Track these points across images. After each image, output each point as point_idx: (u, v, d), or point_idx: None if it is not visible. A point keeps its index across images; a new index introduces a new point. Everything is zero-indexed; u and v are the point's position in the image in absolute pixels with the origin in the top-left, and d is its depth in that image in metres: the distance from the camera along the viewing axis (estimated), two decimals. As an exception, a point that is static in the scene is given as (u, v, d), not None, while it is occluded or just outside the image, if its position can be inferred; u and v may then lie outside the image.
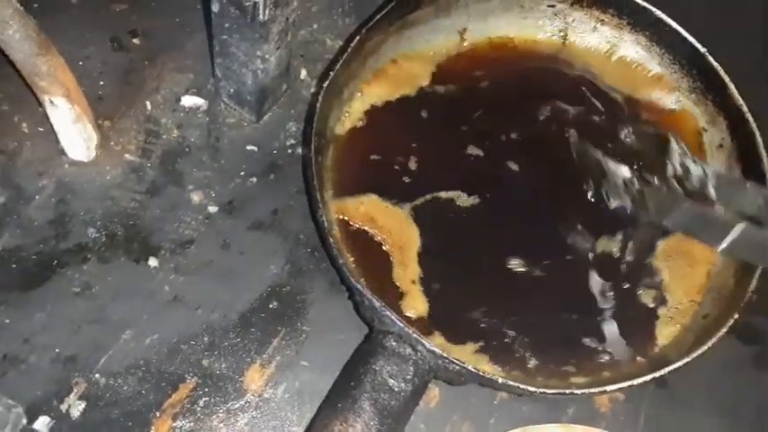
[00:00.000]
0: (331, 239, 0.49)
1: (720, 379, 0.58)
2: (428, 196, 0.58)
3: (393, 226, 0.56)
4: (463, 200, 0.58)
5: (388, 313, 0.46)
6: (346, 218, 0.56)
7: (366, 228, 0.56)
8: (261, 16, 0.50)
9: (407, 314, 0.53)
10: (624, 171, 0.56)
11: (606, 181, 0.57)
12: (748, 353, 0.60)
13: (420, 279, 0.55)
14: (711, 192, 0.51)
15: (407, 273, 0.55)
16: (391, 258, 0.55)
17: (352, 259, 0.53)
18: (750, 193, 0.51)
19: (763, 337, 0.61)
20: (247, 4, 0.49)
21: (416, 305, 0.54)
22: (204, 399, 0.52)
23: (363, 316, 0.52)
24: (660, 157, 0.54)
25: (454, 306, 0.54)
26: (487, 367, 0.52)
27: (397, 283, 0.54)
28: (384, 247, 0.55)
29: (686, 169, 0.52)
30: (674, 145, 0.53)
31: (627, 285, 0.57)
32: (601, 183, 0.57)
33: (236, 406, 0.52)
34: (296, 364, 0.54)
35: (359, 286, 0.48)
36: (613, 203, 0.57)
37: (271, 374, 0.53)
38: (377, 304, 0.47)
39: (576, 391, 0.49)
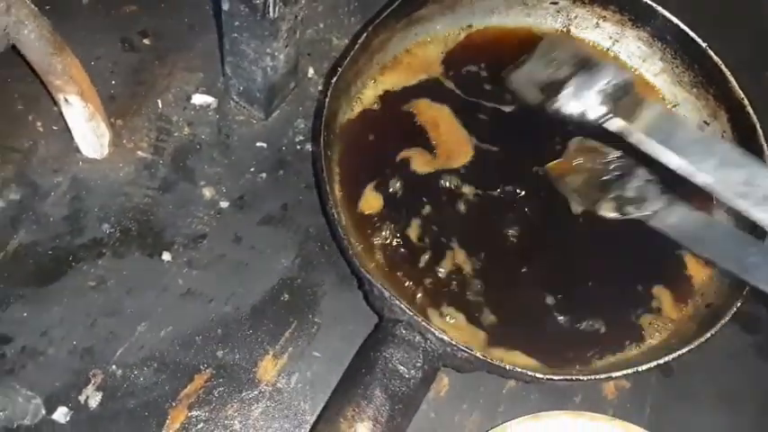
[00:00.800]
0: (341, 231, 0.50)
1: (724, 367, 0.59)
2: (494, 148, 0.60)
3: (451, 137, 0.60)
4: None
5: (397, 302, 0.47)
6: (415, 111, 0.60)
7: (425, 126, 0.59)
8: (271, 13, 0.51)
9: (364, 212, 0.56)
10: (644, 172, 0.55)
11: (623, 189, 0.56)
12: (752, 341, 0.61)
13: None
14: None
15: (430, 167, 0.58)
16: (435, 152, 0.59)
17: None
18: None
19: (766, 325, 0.62)
20: (257, 1, 0.50)
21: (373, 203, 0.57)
22: (219, 389, 0.53)
23: (373, 305, 0.53)
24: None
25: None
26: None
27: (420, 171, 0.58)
28: (435, 150, 0.59)
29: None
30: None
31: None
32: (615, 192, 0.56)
33: (250, 396, 0.53)
34: (308, 355, 0.55)
35: (369, 276, 0.48)
36: (636, 213, 0.55)
37: (283, 365, 0.54)
38: (386, 294, 0.47)
39: (581, 378, 0.49)
